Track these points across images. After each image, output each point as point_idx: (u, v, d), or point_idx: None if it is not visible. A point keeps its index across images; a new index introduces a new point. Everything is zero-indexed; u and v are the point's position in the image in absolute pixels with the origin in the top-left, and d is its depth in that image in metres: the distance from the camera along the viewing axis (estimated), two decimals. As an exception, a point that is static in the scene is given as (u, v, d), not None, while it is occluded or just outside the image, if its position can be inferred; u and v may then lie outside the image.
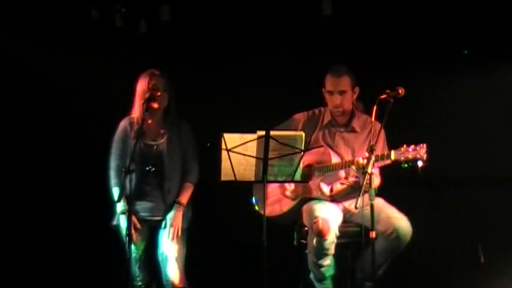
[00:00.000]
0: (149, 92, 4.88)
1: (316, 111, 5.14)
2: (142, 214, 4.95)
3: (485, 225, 5.51)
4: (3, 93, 6.07)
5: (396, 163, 4.41)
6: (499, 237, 5.48)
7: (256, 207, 5.03)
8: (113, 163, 4.99)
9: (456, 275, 5.47)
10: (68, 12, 5.99)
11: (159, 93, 4.92)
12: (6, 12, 5.95)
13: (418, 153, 4.30)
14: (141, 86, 4.95)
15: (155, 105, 4.90)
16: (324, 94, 5.03)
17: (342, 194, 4.94)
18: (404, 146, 4.38)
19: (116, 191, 4.87)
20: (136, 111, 4.99)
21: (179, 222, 4.93)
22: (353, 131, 5.02)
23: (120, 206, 4.88)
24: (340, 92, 4.95)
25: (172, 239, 4.91)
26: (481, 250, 5.52)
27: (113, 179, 4.97)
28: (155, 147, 5.00)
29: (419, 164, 4.30)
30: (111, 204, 4.93)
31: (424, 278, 5.51)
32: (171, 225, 4.92)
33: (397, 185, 4.94)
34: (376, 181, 4.77)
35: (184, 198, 4.98)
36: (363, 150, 4.84)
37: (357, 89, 4.99)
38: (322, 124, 5.06)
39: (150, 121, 5.02)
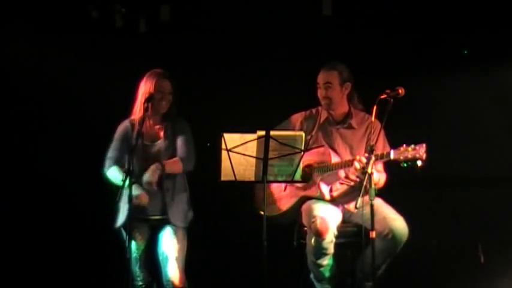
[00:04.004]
0: (155, 93, 4.88)
1: (314, 110, 5.14)
2: (141, 213, 4.94)
3: (485, 225, 5.51)
4: (3, 93, 6.07)
5: (395, 163, 4.41)
6: (499, 237, 5.48)
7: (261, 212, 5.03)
8: (111, 153, 4.99)
9: (456, 275, 5.48)
10: (68, 12, 6.00)
11: (170, 97, 4.94)
12: (6, 12, 5.96)
13: (417, 152, 4.29)
14: (148, 86, 4.93)
15: (164, 108, 4.93)
16: None
17: (342, 195, 4.93)
18: (404, 145, 4.37)
19: (112, 171, 4.91)
20: (137, 112, 4.97)
21: (155, 176, 4.82)
22: (350, 127, 5.01)
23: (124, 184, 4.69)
24: (325, 85, 4.96)
25: (150, 185, 4.82)
26: (481, 250, 5.52)
27: (107, 165, 4.96)
28: (153, 147, 4.99)
29: (419, 163, 4.30)
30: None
31: (424, 278, 5.51)
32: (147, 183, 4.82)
33: (397, 185, 4.94)
34: (382, 178, 4.78)
35: (167, 162, 4.89)
36: (361, 147, 4.86)
37: (348, 85, 4.98)
38: (319, 122, 5.06)
39: (149, 122, 5.01)
